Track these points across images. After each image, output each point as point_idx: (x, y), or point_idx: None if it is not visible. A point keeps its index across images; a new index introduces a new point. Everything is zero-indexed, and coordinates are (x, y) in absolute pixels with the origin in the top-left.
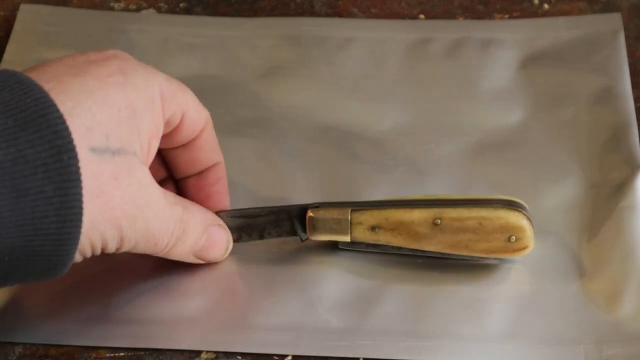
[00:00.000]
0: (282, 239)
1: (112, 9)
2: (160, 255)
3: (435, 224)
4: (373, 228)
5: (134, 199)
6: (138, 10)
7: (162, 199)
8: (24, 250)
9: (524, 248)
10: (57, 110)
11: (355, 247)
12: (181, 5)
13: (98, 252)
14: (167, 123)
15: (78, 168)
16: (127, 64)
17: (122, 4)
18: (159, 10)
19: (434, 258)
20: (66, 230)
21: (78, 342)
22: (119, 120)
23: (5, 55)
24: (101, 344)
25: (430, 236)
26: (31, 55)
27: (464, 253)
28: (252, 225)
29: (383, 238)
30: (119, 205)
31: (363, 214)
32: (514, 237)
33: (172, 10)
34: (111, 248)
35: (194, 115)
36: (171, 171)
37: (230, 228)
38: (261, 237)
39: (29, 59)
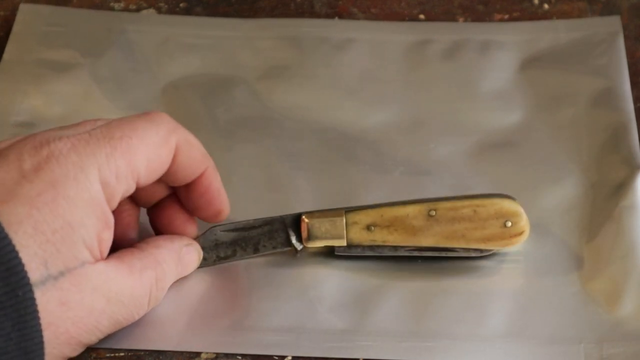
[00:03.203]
0: (278, 251)
1: (112, 9)
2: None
3: (430, 215)
4: (368, 227)
5: (89, 310)
6: (138, 10)
7: (127, 281)
8: None
9: (521, 233)
10: (10, 244)
11: (351, 252)
12: (181, 5)
13: None
14: (126, 190)
15: (34, 300)
16: (59, 167)
17: (122, 4)
18: (159, 10)
19: (433, 258)
20: None
21: None
22: (55, 243)
23: (5, 56)
24: (101, 345)
25: (426, 228)
26: (31, 56)
27: (462, 244)
28: (246, 239)
29: (379, 237)
30: (71, 326)
31: (358, 213)
32: (509, 222)
33: (172, 10)
34: (80, 351)
35: (156, 162)
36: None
37: (224, 243)
38: (256, 250)
39: (29, 59)
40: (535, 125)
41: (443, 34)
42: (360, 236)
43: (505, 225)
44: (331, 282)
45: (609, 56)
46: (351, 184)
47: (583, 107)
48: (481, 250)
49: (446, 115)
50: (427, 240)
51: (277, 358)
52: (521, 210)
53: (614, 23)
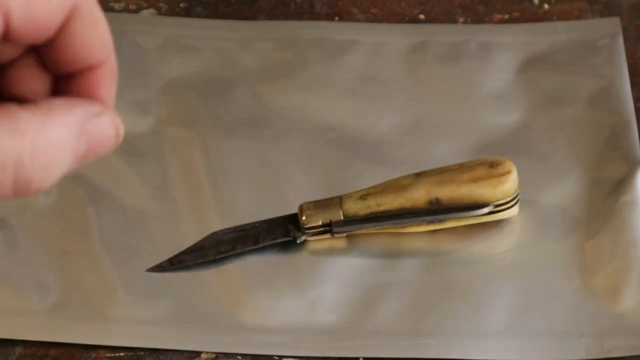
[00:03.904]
0: (278, 241)
1: (112, 9)
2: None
3: (419, 175)
4: (362, 197)
5: None
6: (138, 10)
7: None
8: None
9: (508, 172)
10: None
11: (349, 227)
12: (181, 5)
13: None
14: None
15: None
16: None
17: (122, 4)
18: (159, 10)
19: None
20: None
21: (78, 340)
22: None
23: None
24: (101, 342)
25: (416, 182)
26: None
27: (452, 189)
28: (246, 236)
29: (373, 201)
30: None
31: (352, 192)
32: (495, 164)
33: (173, 10)
34: None
35: (39, 8)
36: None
37: (225, 241)
38: (256, 242)
39: None
40: (535, 125)
41: (443, 35)
42: (355, 205)
43: (491, 167)
44: (331, 281)
45: (609, 57)
46: (351, 184)
47: (583, 107)
48: (476, 207)
49: (446, 115)
50: (418, 192)
51: (277, 358)
52: (505, 159)
53: (613, 24)
